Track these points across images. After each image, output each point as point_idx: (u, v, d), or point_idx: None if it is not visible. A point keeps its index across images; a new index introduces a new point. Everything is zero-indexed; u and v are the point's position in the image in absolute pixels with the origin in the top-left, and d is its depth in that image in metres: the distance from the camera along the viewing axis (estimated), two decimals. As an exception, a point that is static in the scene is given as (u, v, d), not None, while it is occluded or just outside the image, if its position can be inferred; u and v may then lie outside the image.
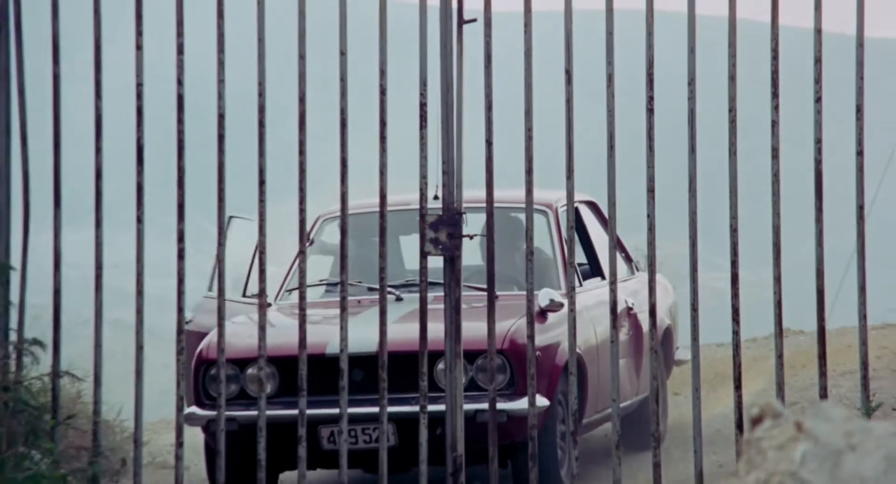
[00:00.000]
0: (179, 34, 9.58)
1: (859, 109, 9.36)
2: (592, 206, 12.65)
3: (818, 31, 9.42)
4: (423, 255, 9.76)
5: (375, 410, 9.51)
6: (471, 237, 9.88)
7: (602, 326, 11.03)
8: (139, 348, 9.58)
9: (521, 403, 9.93)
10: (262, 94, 9.43)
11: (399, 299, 11.04)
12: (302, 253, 10.01)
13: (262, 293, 9.86)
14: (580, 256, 12.22)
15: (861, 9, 9.41)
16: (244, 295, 11.55)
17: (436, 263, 9.85)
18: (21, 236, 9.52)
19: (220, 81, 9.54)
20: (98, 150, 9.49)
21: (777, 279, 9.67)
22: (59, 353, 9.62)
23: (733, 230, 9.66)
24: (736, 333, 9.60)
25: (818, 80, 9.45)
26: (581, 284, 11.50)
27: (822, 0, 9.44)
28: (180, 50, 9.58)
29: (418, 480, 9.41)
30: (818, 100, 9.45)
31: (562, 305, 10.56)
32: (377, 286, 9.86)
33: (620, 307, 10.31)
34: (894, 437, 4.10)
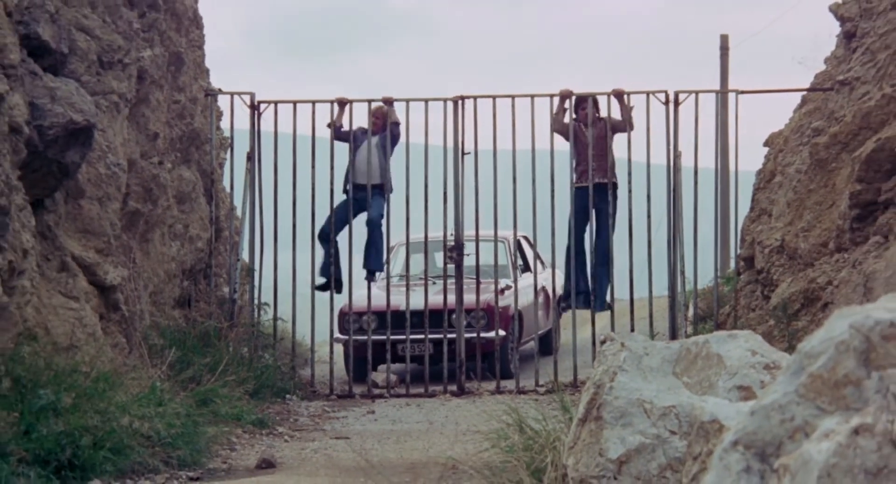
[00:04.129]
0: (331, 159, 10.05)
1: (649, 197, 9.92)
2: (525, 238, 11.95)
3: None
4: (445, 262, 10.51)
5: (422, 336, 9.96)
6: (468, 254, 10.23)
7: (530, 296, 10.90)
8: (312, 308, 10.10)
9: (492, 333, 10.26)
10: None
11: (434, 283, 10.64)
12: (387, 262, 10.59)
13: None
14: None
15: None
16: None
17: (451, 265, 10.34)
18: (259, 254, 9.99)
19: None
20: (294, 213, 9.81)
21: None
22: (276, 308, 10.07)
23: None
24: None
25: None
26: (520, 276, 11.29)
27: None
28: (332, 160, 9.99)
29: (442, 369, 9.96)
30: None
31: (511, 286, 10.76)
32: (423, 276, 10.44)
33: (539, 286, 10.72)
34: (665, 348, 4.05)
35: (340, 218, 10.25)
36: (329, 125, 10.25)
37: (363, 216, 10.39)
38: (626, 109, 10.10)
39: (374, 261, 10.39)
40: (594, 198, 10.06)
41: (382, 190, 10.30)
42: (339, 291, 10.40)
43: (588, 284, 10.24)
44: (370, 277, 10.41)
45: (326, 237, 10.29)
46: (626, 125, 10.13)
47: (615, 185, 10.27)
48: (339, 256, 10.33)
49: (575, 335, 10.13)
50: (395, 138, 10.38)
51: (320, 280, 10.38)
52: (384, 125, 10.31)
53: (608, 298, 10.19)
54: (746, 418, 2.38)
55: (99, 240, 7.68)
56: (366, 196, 10.18)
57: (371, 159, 10.13)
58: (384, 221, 10.30)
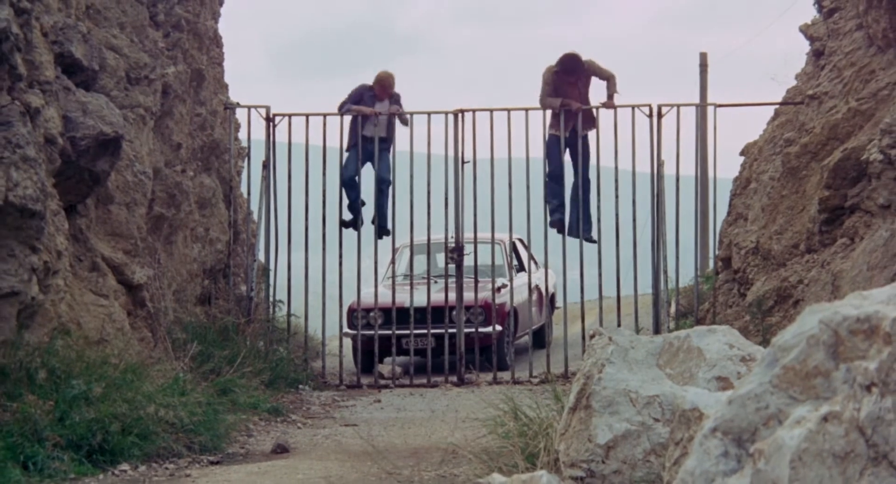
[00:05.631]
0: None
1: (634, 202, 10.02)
2: (520, 240, 11.95)
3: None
4: (447, 262, 10.51)
5: (425, 330, 9.90)
6: (467, 254, 10.15)
7: (524, 294, 10.97)
8: (323, 305, 10.02)
9: (490, 329, 10.23)
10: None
11: (436, 282, 10.68)
12: (392, 262, 10.80)
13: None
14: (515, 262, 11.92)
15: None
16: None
17: (451, 266, 10.41)
18: (273, 255, 9.95)
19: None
20: (307, 218, 9.69)
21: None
22: (290, 305, 10.00)
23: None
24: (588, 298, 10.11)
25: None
26: (515, 276, 11.16)
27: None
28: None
29: (443, 362, 9.95)
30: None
31: (507, 285, 10.61)
32: (426, 275, 10.46)
33: (532, 285, 10.77)
34: (649, 342, 3.98)
35: (352, 169, 10.08)
36: (342, 104, 10.10)
37: (369, 179, 10.20)
38: (609, 82, 9.94)
39: (380, 219, 10.16)
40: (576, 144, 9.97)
41: (389, 144, 10.11)
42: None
43: (564, 210, 10.03)
44: (382, 233, 10.13)
45: (348, 183, 10.07)
46: (606, 80, 9.96)
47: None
48: (360, 203, 10.12)
49: (566, 330, 10.10)
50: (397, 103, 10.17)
51: (348, 216, 10.13)
52: (389, 95, 10.12)
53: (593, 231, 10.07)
54: (724, 407, 2.37)
55: (127, 242, 7.67)
56: (373, 149, 9.98)
57: (378, 117, 9.99)
58: (391, 186, 10.07)
